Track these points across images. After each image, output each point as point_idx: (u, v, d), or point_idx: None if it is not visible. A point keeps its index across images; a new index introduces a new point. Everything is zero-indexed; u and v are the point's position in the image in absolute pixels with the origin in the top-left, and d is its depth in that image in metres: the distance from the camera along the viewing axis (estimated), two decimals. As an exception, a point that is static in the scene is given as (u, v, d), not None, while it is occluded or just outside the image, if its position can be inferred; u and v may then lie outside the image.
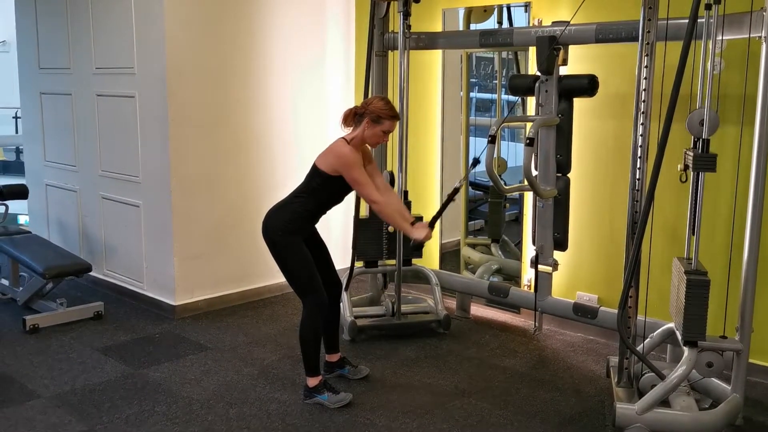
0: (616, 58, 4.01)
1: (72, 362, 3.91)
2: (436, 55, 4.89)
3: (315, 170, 3.34)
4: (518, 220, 5.47)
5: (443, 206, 3.42)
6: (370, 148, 3.49)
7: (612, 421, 3.17)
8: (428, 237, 3.33)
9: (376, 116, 3.31)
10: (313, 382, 3.42)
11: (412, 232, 3.35)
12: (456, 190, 3.36)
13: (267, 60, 4.92)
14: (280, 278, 5.11)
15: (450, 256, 5.15)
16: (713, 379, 3.35)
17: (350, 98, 5.45)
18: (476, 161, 3.40)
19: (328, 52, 5.33)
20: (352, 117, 3.38)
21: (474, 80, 5.19)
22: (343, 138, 3.35)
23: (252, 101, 4.87)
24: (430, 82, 4.95)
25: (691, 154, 3.07)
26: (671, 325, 3.45)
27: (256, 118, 4.92)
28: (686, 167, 3.15)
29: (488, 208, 5.18)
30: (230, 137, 4.79)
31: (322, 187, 3.33)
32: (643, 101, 3.24)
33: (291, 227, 3.34)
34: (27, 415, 3.29)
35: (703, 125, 3.04)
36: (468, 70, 5.08)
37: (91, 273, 4.76)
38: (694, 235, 3.15)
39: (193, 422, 3.23)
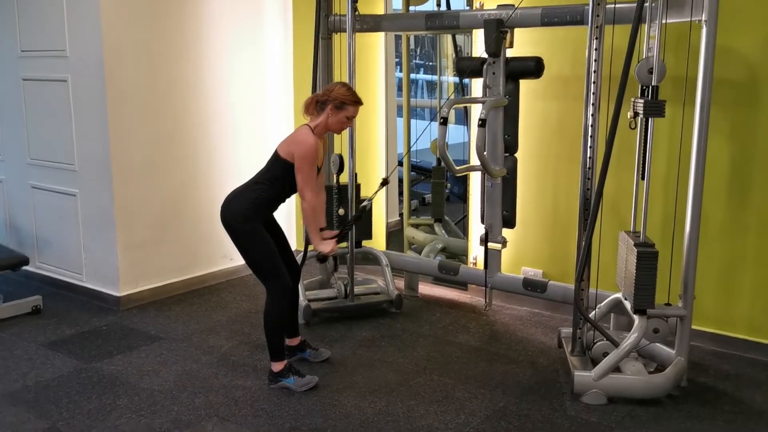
0: (559, 42, 4.16)
1: (18, 359, 3.76)
2: (377, 37, 4.92)
3: (276, 158, 3.32)
4: (449, 199, 5.62)
5: (350, 223, 3.47)
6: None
7: (570, 388, 3.34)
8: (333, 251, 3.35)
9: (339, 102, 3.31)
10: (278, 366, 3.43)
11: (318, 244, 3.34)
12: (363, 209, 3.44)
13: (206, 42, 4.81)
14: (224, 265, 5.13)
15: (390, 237, 5.21)
16: (657, 344, 3.57)
17: (289, 81, 5.41)
18: (385, 181, 3.46)
19: (266, 34, 5.25)
20: (314, 105, 3.37)
21: (398, 60, 5.24)
22: (307, 125, 3.34)
23: (192, 85, 4.76)
24: (370, 63, 4.97)
25: (641, 101, 3.23)
26: (618, 295, 3.65)
27: (196, 103, 4.81)
28: (635, 114, 3.31)
29: (431, 189, 5.27)
30: (171, 122, 4.67)
31: (284, 176, 3.30)
32: (594, 83, 3.38)
33: (251, 214, 3.31)
34: (-20, 415, 3.16)
35: (651, 73, 3.20)
36: (408, 51, 5.14)
37: (23, 266, 4.57)
38: (643, 179, 3.31)
39: (159, 413, 3.18)
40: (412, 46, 5.35)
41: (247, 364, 3.70)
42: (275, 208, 3.45)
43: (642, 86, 3.28)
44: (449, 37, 5.18)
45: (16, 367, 3.66)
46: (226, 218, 3.35)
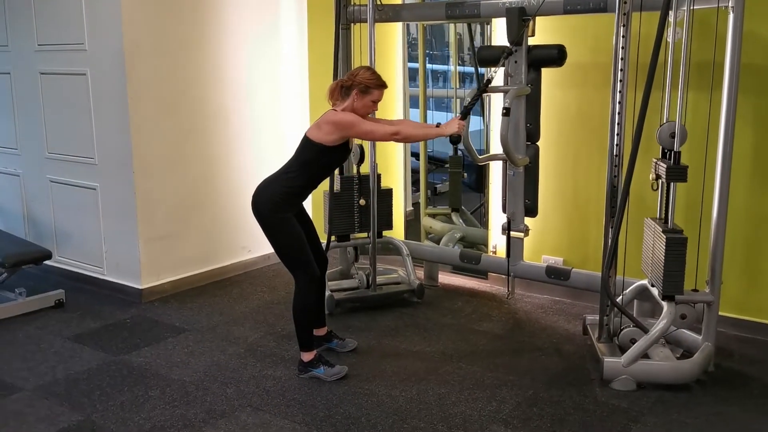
0: (578, 29, 4.15)
1: (45, 352, 3.77)
2: (393, 27, 4.91)
3: (307, 143, 3.31)
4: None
5: (473, 100, 3.45)
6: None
7: (599, 374, 3.36)
8: (462, 128, 3.35)
9: (364, 87, 3.31)
10: (308, 356, 3.44)
11: (445, 130, 3.36)
12: (489, 81, 3.49)
13: (224, 36, 4.81)
14: (243, 256, 5.14)
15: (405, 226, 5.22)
16: (683, 330, 3.59)
17: (304, 74, 5.40)
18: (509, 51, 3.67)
19: (283, 27, 5.25)
20: (339, 90, 3.37)
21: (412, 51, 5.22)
22: (332, 110, 3.34)
23: (211, 78, 4.76)
24: (388, 53, 4.96)
25: (663, 165, 3.27)
26: (643, 281, 3.66)
27: (216, 96, 4.81)
28: (657, 177, 3.36)
29: (448, 178, 5.27)
30: (190, 114, 4.67)
31: (316, 160, 3.31)
32: (621, 70, 3.38)
33: (282, 203, 3.31)
34: (14, 408, 3.17)
35: (673, 138, 3.24)
36: (424, 41, 5.13)
37: (43, 260, 4.57)
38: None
39: (193, 404, 3.19)
40: (414, 35, 5.29)
41: (274, 354, 3.72)
42: (305, 196, 3.46)
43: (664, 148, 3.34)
44: (453, 26, 5.15)
45: (44, 360, 3.68)
46: (257, 207, 3.35)
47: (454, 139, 3.37)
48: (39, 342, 3.91)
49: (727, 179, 3.32)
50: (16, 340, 3.94)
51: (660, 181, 3.37)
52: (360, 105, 3.33)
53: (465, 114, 3.40)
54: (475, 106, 3.50)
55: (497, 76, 3.87)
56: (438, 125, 3.42)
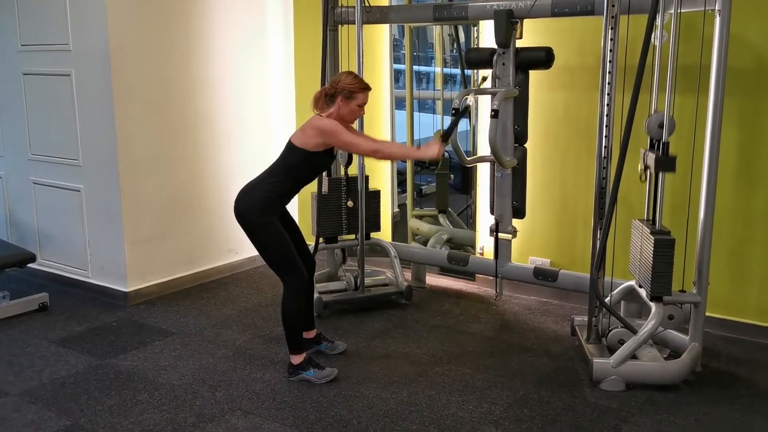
0: (565, 32, 4.17)
1: (31, 356, 3.72)
2: (381, 28, 4.90)
3: (291, 148, 3.30)
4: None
5: (454, 123, 3.46)
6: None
7: (589, 375, 3.38)
8: (441, 153, 3.30)
9: (348, 92, 3.30)
10: (297, 359, 3.43)
11: (425, 153, 3.32)
12: (467, 108, 3.59)
13: (211, 37, 4.77)
14: (229, 259, 5.11)
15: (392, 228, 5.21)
16: (670, 330, 3.62)
17: (290, 76, 5.38)
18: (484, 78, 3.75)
19: (269, 28, 5.22)
20: (323, 99, 3.35)
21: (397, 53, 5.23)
22: (318, 115, 3.33)
23: (198, 80, 4.72)
24: (375, 55, 4.95)
25: (652, 155, 3.29)
26: (630, 282, 3.68)
27: (202, 98, 4.77)
28: (646, 167, 3.38)
29: (435, 180, 5.28)
30: (176, 115, 4.63)
31: (300, 165, 3.29)
32: (609, 73, 3.40)
33: (265, 207, 3.29)
34: (0, 414, 3.12)
35: (662, 128, 3.27)
36: (411, 43, 5.14)
37: (24, 263, 4.50)
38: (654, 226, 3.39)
39: (182, 408, 3.17)
40: (397, 36, 5.30)
41: (263, 357, 3.70)
42: (289, 200, 3.44)
43: (652, 139, 3.36)
44: (440, 28, 5.16)
45: (30, 364, 3.63)
46: (240, 212, 3.32)
47: (431, 163, 3.39)
48: (24, 346, 3.86)
49: (713, 181, 3.35)
50: (0, 344, 3.88)
51: (648, 171, 3.38)
52: (347, 111, 3.32)
53: (446, 138, 3.38)
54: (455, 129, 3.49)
55: (489, 78, 3.89)
56: (418, 148, 3.43)
